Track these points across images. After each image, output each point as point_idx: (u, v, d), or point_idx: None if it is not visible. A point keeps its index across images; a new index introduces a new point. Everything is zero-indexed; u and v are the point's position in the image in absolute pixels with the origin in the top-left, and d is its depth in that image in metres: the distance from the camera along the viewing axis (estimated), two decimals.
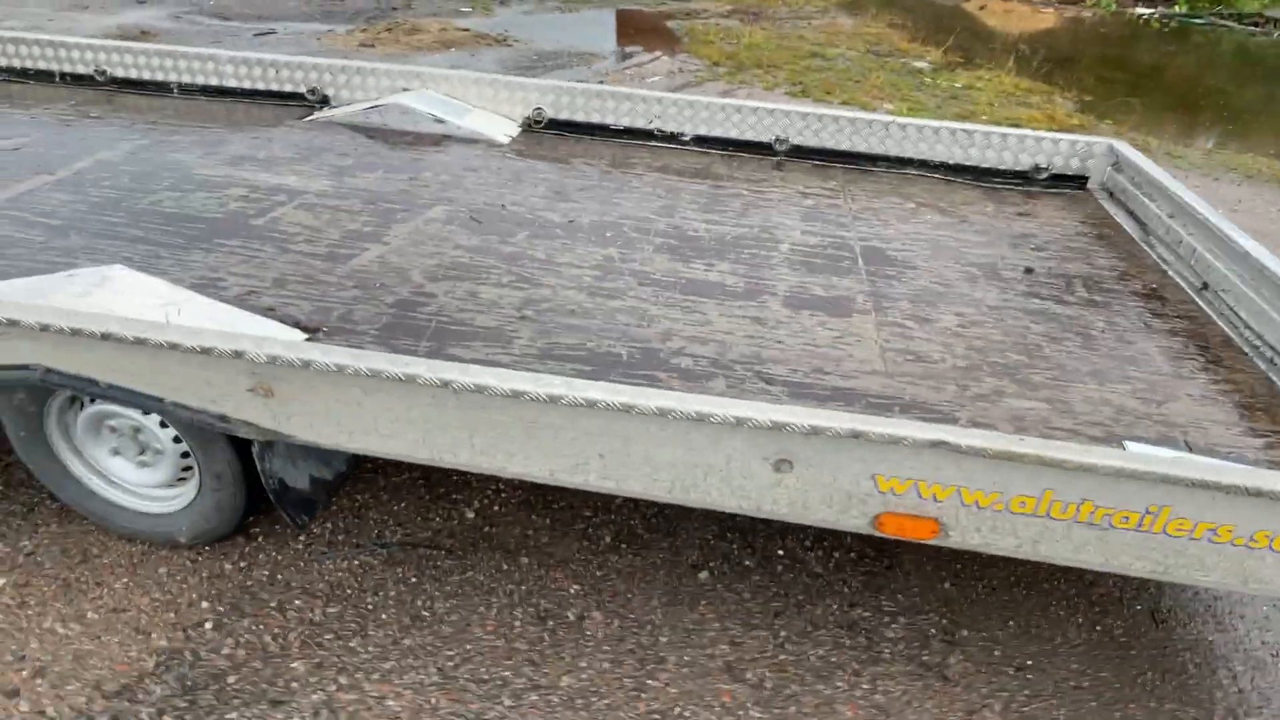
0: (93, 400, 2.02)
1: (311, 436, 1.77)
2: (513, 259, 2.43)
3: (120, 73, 3.80)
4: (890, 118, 3.48)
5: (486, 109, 3.65)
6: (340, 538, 2.25)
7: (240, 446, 1.96)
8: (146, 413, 2.00)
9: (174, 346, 1.62)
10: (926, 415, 1.86)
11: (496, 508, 2.39)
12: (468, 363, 1.77)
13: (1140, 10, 10.12)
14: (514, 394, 1.55)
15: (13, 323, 1.65)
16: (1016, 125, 5.78)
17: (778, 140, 3.51)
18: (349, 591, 2.09)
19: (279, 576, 2.13)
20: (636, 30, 8.77)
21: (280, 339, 1.80)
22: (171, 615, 2.01)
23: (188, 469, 2.10)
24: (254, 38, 7.86)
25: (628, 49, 8.02)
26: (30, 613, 1.99)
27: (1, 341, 1.74)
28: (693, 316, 2.21)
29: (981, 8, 10.51)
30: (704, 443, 1.59)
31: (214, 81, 3.77)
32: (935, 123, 3.46)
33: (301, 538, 2.24)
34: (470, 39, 7.97)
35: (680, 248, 2.60)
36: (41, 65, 3.84)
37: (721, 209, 2.92)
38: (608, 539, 2.29)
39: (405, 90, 3.66)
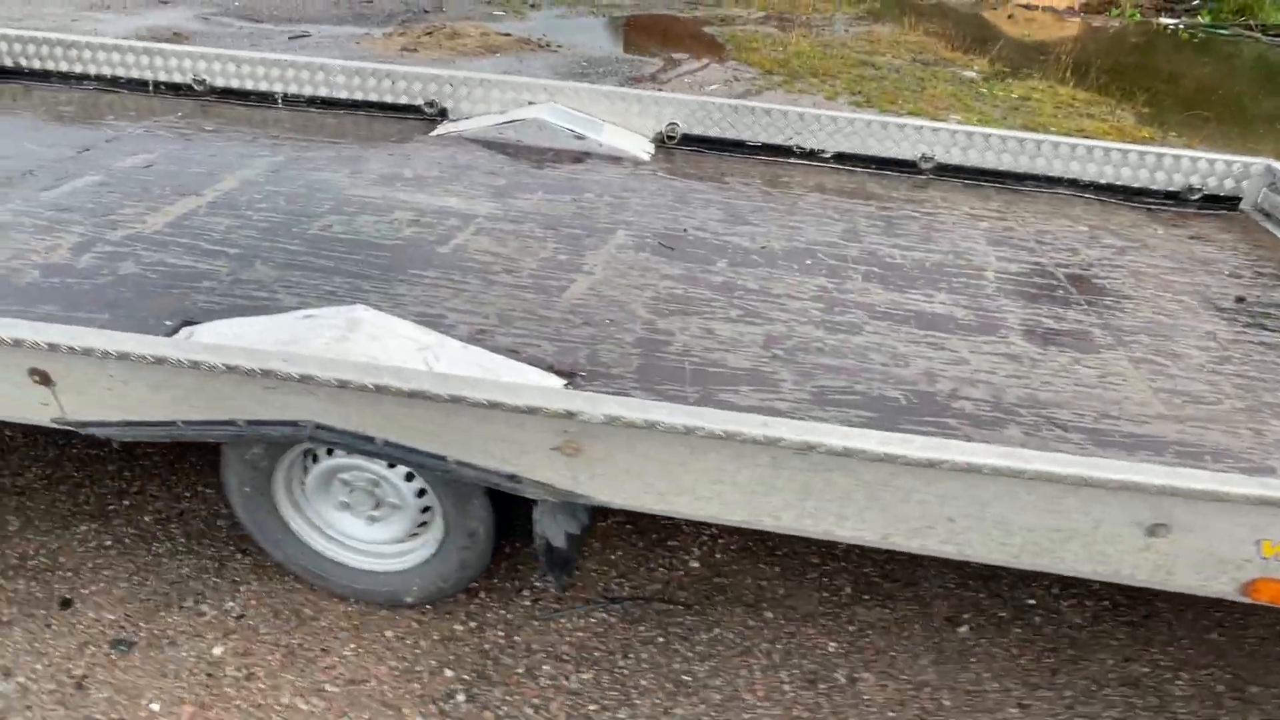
0: (330, 453, 1.85)
1: (610, 497, 1.62)
2: (727, 290, 2.30)
3: (221, 82, 3.60)
4: (1042, 136, 3.39)
5: (617, 123, 3.51)
6: (567, 593, 2.10)
7: (498, 503, 1.82)
8: (392, 465, 1.84)
9: (494, 405, 1.46)
10: (1241, 466, 1.76)
11: (719, 555, 2.25)
12: (742, 410, 1.66)
13: (1165, 20, 10.21)
14: (887, 457, 1.42)
15: (306, 378, 1.48)
16: (1086, 136, 5.74)
17: (923, 158, 3.41)
18: (596, 654, 1.94)
19: (516, 638, 1.97)
20: (677, 36, 8.62)
21: (589, 394, 1.63)
22: (416, 686, 1.84)
23: (422, 524, 1.94)
24: (289, 40, 7.61)
25: (674, 55, 7.88)
26: (262, 686, 1.81)
27: (271, 396, 1.58)
28: (944, 354, 2.08)
29: (1009, 16, 10.54)
30: (1076, 507, 1.47)
31: (323, 92, 3.57)
32: (1089, 141, 3.37)
33: (526, 593, 2.08)
34: (513, 44, 7.78)
35: (888, 276, 2.48)
36: (135, 74, 3.62)
37: (903, 233, 2.81)
38: (848, 590, 2.16)
39: (531, 104, 3.50)
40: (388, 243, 2.40)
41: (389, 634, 1.96)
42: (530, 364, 1.86)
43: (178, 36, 7.32)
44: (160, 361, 1.50)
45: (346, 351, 1.69)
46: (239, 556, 2.14)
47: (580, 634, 1.99)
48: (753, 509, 1.58)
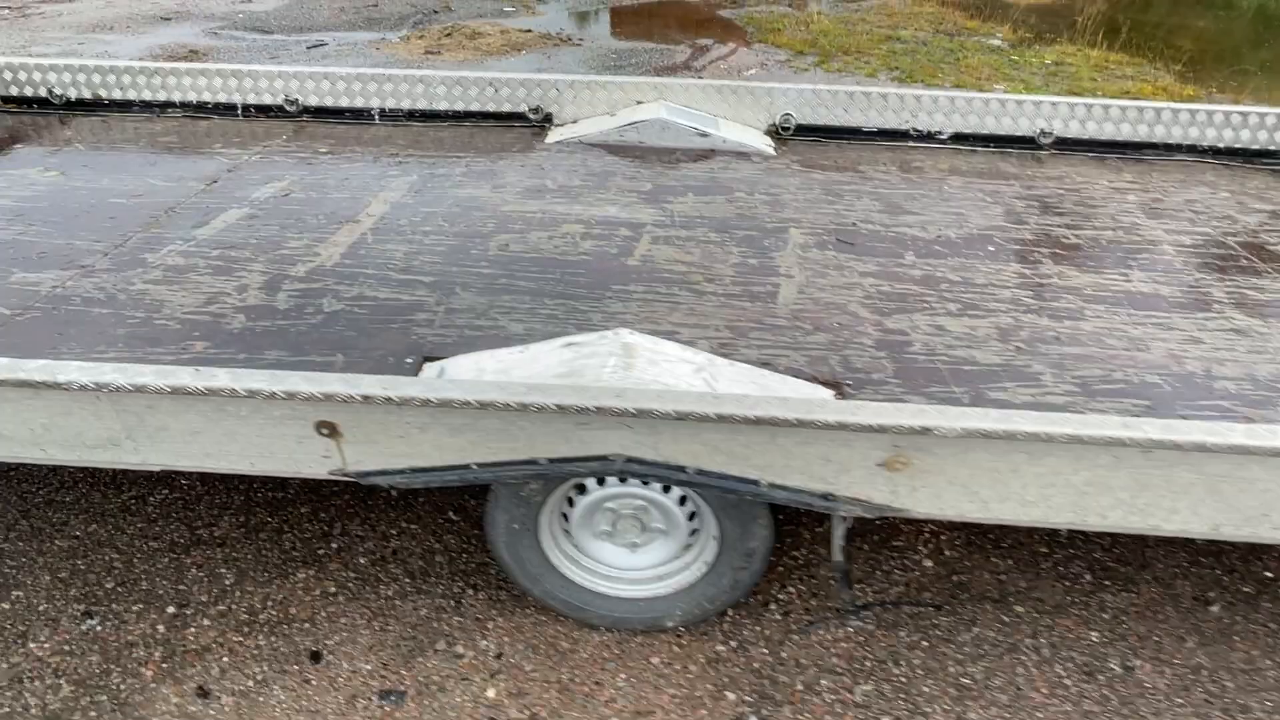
0: (600, 483, 1.80)
1: (930, 509, 1.58)
2: (930, 283, 2.26)
3: (314, 101, 3.50)
4: (1160, 104, 3.38)
5: (729, 118, 3.45)
6: (813, 603, 2.07)
7: (776, 521, 1.78)
8: (666, 490, 1.80)
9: (842, 426, 1.42)
10: None
11: (947, 553, 2.22)
12: (1016, 408, 1.65)
13: None
14: (1253, 450, 1.40)
15: (643, 413, 1.43)
16: (1135, 98, 5.75)
17: (1042, 133, 3.38)
18: (868, 664, 1.92)
19: (782, 654, 1.94)
20: (694, 23, 8.53)
21: (938, 408, 1.57)
22: (704, 713, 1.80)
23: (686, 548, 1.90)
24: (307, 50, 7.42)
25: (699, 41, 7.80)
26: None
27: (582, 432, 1.52)
28: (1174, 334, 2.07)
29: None
30: None
31: (422, 105, 3.47)
32: (1207, 106, 3.36)
33: (773, 607, 2.05)
34: (536, 40, 7.64)
35: (1073, 257, 2.46)
36: (222, 98, 3.50)
37: (1059, 212, 2.78)
38: (1088, 577, 2.15)
39: (639, 104, 3.44)
40: (574, 258, 2.34)
41: (655, 660, 1.92)
42: (790, 375, 1.83)
43: (194, 54, 7.12)
44: (484, 406, 1.44)
45: (636, 380, 1.64)
46: (470, 593, 2.08)
47: (844, 644, 1.97)
48: (1080, 509, 1.56)
